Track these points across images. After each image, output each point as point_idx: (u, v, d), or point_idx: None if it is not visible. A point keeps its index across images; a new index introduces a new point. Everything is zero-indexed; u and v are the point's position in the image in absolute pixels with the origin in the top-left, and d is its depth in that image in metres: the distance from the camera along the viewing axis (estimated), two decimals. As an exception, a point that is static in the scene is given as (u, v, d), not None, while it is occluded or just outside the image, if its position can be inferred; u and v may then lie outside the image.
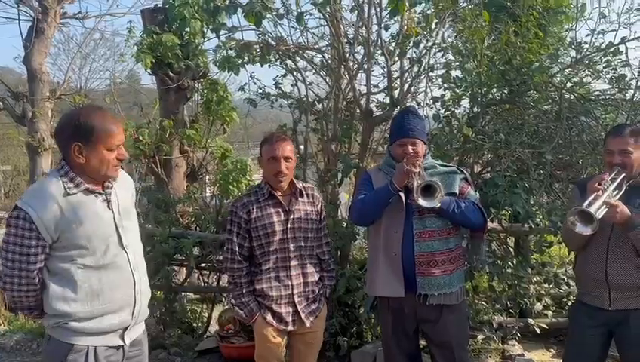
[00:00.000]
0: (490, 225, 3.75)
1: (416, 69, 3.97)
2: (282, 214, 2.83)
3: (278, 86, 4.48)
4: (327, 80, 4.44)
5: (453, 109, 4.08)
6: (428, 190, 2.57)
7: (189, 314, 5.06)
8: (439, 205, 2.58)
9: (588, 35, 3.85)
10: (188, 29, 5.54)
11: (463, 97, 4.04)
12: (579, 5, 3.95)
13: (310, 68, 4.36)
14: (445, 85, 4.07)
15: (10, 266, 2.02)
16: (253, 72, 4.52)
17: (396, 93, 3.86)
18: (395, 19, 3.69)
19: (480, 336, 4.28)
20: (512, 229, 4.13)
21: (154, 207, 5.18)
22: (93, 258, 2.07)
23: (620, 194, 2.51)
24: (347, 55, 4.02)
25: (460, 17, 4.05)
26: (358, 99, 4.06)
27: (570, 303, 4.38)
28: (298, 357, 2.99)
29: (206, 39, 5.77)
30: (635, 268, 2.55)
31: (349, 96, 4.28)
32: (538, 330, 4.38)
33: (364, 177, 2.97)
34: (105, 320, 2.10)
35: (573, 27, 4.01)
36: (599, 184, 2.46)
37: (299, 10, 3.70)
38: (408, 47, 3.91)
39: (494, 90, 4.05)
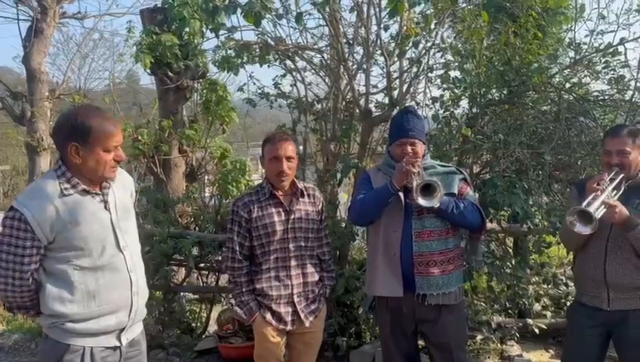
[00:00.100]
0: (489, 225, 3.75)
1: (415, 69, 3.97)
2: (283, 214, 2.84)
3: (278, 86, 4.48)
4: (327, 80, 4.44)
5: (452, 110, 4.09)
6: (427, 189, 2.57)
7: (187, 314, 5.06)
8: (438, 205, 2.59)
9: (587, 35, 3.86)
10: (187, 29, 5.53)
11: (462, 98, 4.05)
12: (578, 6, 3.96)
13: (309, 68, 4.36)
14: (444, 85, 4.08)
15: (4, 266, 2.02)
16: (252, 72, 4.52)
17: (395, 93, 3.86)
18: (395, 19, 3.68)
19: (479, 337, 4.28)
20: (510, 230, 4.14)
21: (153, 207, 5.17)
22: (89, 259, 2.06)
23: (619, 194, 2.52)
24: (346, 55, 4.02)
25: (460, 18, 4.06)
26: (358, 100, 4.06)
27: (568, 304, 4.38)
28: (297, 357, 2.99)
29: (205, 39, 5.76)
30: (634, 268, 2.56)
31: (348, 97, 4.28)
32: (537, 331, 4.39)
33: (364, 177, 2.97)
34: (101, 321, 2.10)
35: (573, 28, 4.02)
36: (598, 184, 2.46)
37: (298, 11, 3.70)
38: (407, 48, 3.90)
39: (493, 90, 4.06)
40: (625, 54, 3.74)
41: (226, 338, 4.35)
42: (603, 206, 2.40)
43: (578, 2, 3.97)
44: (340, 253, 4.15)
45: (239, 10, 3.52)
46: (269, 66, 4.20)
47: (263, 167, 2.93)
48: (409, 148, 2.74)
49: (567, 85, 3.93)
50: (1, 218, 2.04)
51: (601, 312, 2.64)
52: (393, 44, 4.00)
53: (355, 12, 3.94)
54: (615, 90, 3.89)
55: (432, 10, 3.92)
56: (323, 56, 4.26)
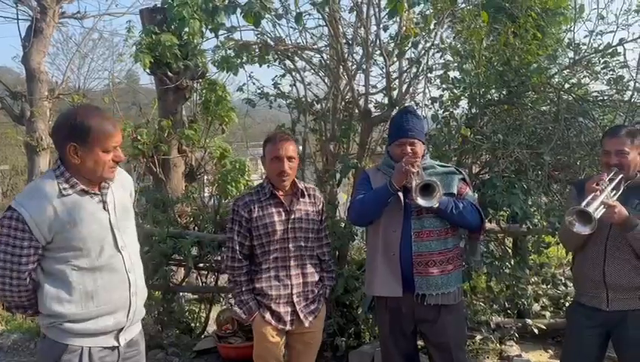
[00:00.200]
0: (488, 225, 3.76)
1: (414, 69, 3.97)
2: (283, 214, 2.84)
3: (277, 86, 4.48)
4: (326, 80, 4.44)
5: (451, 110, 4.09)
6: (427, 189, 2.57)
7: (187, 314, 5.06)
8: (437, 205, 2.59)
9: (586, 36, 3.86)
10: (187, 29, 5.53)
11: (462, 98, 4.05)
12: (577, 6, 3.96)
13: (309, 68, 4.37)
14: (444, 86, 4.08)
15: (2, 266, 2.02)
16: (251, 72, 4.54)
17: (395, 93, 3.86)
18: (394, 19, 3.68)
19: (478, 337, 4.29)
20: (510, 230, 4.14)
21: (152, 207, 5.18)
22: (87, 259, 2.06)
23: (618, 194, 2.52)
24: (346, 55, 4.02)
25: (459, 18, 4.06)
26: (357, 100, 4.06)
27: (567, 304, 4.38)
28: (297, 357, 2.99)
29: (205, 39, 5.76)
30: (633, 268, 2.56)
31: (347, 97, 4.28)
32: (536, 331, 4.40)
33: (363, 177, 2.97)
34: (100, 321, 2.10)
35: (572, 28, 4.01)
36: (597, 184, 2.46)
37: (297, 11, 3.70)
38: (407, 48, 3.91)
39: (493, 90, 4.06)
40: (624, 55, 3.75)
41: (225, 338, 4.35)
42: (602, 206, 2.40)
43: (577, 3, 3.97)
44: (339, 253, 4.15)
45: (239, 11, 3.52)
46: (268, 66, 4.21)
47: (264, 167, 2.94)
48: (408, 149, 2.74)
49: (567, 85, 3.93)
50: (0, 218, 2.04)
51: (600, 312, 2.64)
52: (392, 45, 4.00)
53: (355, 12, 3.94)
54: (614, 91, 3.89)
55: (431, 11, 3.92)
56: (322, 57, 4.26)
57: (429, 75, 3.98)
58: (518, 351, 4.29)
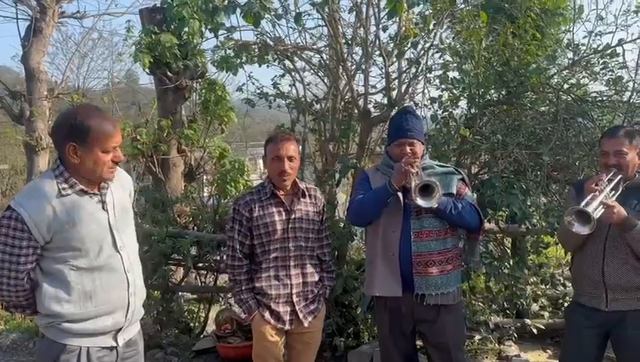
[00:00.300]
0: (487, 225, 3.76)
1: (414, 69, 3.98)
2: (284, 214, 2.85)
3: (277, 86, 4.48)
4: (326, 80, 4.45)
5: (450, 110, 4.09)
6: (426, 190, 2.57)
7: (186, 313, 5.06)
8: (437, 205, 2.59)
9: (585, 36, 3.86)
10: (186, 29, 5.54)
11: (461, 98, 4.05)
12: (576, 7, 3.96)
13: (308, 68, 4.37)
14: (443, 86, 4.08)
15: (0, 266, 2.02)
16: (251, 72, 4.54)
17: (394, 93, 3.86)
18: (393, 20, 3.68)
19: (477, 337, 4.29)
20: (508, 230, 4.14)
21: (151, 207, 5.18)
22: (86, 259, 2.06)
23: (617, 195, 2.52)
24: (345, 55, 4.03)
25: (458, 19, 4.06)
26: (356, 100, 4.07)
27: (566, 304, 4.38)
28: (296, 357, 3.00)
29: (204, 39, 5.77)
30: (632, 268, 2.56)
31: (347, 97, 4.29)
32: (535, 331, 4.40)
33: (362, 177, 2.97)
34: (98, 321, 2.10)
35: (571, 29, 4.01)
36: (596, 185, 2.47)
37: (297, 11, 3.71)
38: (406, 48, 3.91)
39: (492, 91, 4.06)
40: (623, 55, 3.75)
41: (225, 338, 4.35)
42: (601, 206, 2.40)
43: (576, 3, 3.97)
44: (338, 253, 4.16)
45: (238, 11, 3.52)
46: (267, 66, 4.21)
47: (265, 167, 2.95)
48: (408, 149, 2.74)
49: (566, 86, 3.93)
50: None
51: (599, 313, 2.64)
52: (392, 45, 4.01)
53: (354, 12, 3.95)
54: (613, 91, 3.89)
55: (430, 11, 3.92)
56: (322, 57, 4.26)
57: (428, 75, 3.98)
58: (517, 351, 4.30)
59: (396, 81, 3.95)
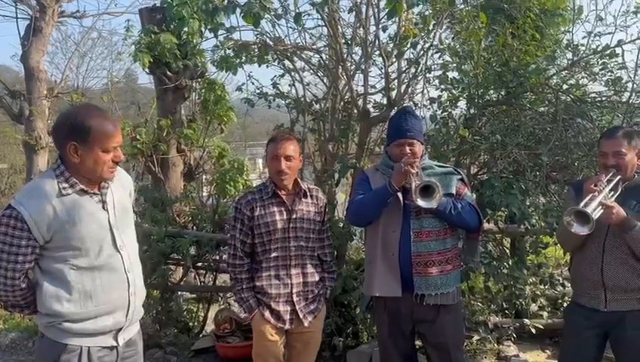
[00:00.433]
0: (486, 225, 3.77)
1: (413, 70, 3.98)
2: (285, 213, 2.86)
3: (276, 86, 4.48)
4: (325, 80, 4.45)
5: (450, 110, 4.09)
6: (427, 190, 2.58)
7: (185, 313, 5.06)
8: (437, 206, 2.59)
9: (584, 37, 3.86)
10: (186, 29, 5.54)
11: (460, 98, 4.05)
12: (576, 8, 3.96)
13: (308, 68, 4.37)
14: (442, 86, 4.08)
15: None
16: (250, 72, 4.53)
17: (393, 93, 3.87)
18: (393, 20, 3.68)
19: (475, 337, 4.30)
20: (507, 230, 4.15)
21: (151, 206, 5.18)
22: (86, 259, 2.06)
23: (616, 195, 2.52)
24: (345, 56, 4.03)
25: (458, 19, 4.06)
26: (356, 100, 4.07)
27: (565, 304, 4.39)
28: (296, 357, 3.01)
29: (204, 39, 5.77)
30: (631, 269, 2.57)
31: (346, 97, 4.29)
32: (533, 331, 4.40)
33: (362, 177, 2.97)
34: (98, 321, 2.10)
35: (570, 29, 4.01)
36: (595, 185, 2.47)
37: (297, 11, 3.71)
38: (406, 48, 3.92)
39: (491, 91, 4.06)
40: (622, 56, 3.75)
41: (224, 337, 4.36)
42: (600, 207, 2.41)
43: (576, 4, 3.98)
44: (338, 253, 4.15)
45: (238, 11, 3.52)
46: (267, 66, 4.21)
47: (266, 166, 2.98)
48: (407, 149, 2.75)
49: (565, 86, 3.93)
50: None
51: (598, 313, 2.64)
52: (391, 45, 4.01)
53: (354, 13, 3.95)
54: (612, 92, 3.90)
55: (430, 11, 3.92)
56: (321, 57, 4.27)
57: (427, 75, 3.98)
58: (516, 351, 4.30)
59: (396, 81, 3.95)
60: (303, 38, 4.15)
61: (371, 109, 4.15)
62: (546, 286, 4.37)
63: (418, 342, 3.09)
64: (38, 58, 9.38)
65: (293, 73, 4.34)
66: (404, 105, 3.73)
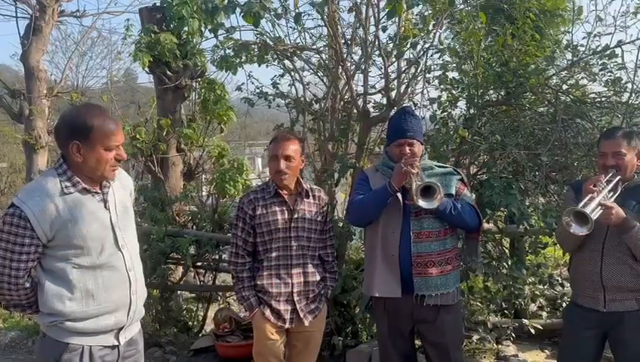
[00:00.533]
0: (485, 226, 3.77)
1: (413, 70, 3.98)
2: (286, 213, 2.87)
3: (276, 86, 4.49)
4: (325, 80, 4.45)
5: (449, 110, 4.09)
6: (427, 191, 2.58)
7: (184, 312, 5.07)
8: (437, 206, 2.60)
9: (584, 37, 3.85)
10: (186, 29, 5.55)
11: (460, 99, 4.05)
12: (575, 8, 3.97)
13: (308, 68, 4.38)
14: (442, 86, 4.08)
15: (1, 263, 2.02)
16: (250, 72, 4.53)
17: (393, 93, 3.87)
18: (393, 20, 3.69)
19: (475, 337, 4.30)
20: (507, 230, 4.14)
21: (150, 206, 5.18)
22: (88, 258, 2.07)
23: (615, 196, 2.52)
24: (345, 56, 4.03)
25: (457, 19, 4.07)
26: (356, 100, 4.07)
27: (564, 304, 4.40)
28: (296, 356, 3.01)
29: (204, 39, 5.78)
30: (630, 270, 2.57)
31: (346, 97, 4.29)
32: (533, 331, 4.40)
33: (361, 177, 2.98)
34: (100, 320, 2.10)
35: (570, 30, 4.02)
36: (594, 185, 2.47)
37: (297, 11, 3.71)
38: (406, 49, 3.92)
39: (491, 91, 4.07)
40: (622, 56, 3.75)
41: (223, 336, 4.36)
42: (599, 207, 2.41)
43: (576, 4, 3.98)
44: (338, 253, 4.15)
45: (238, 10, 3.53)
46: (267, 66, 4.21)
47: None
48: (407, 149, 2.75)
49: (564, 87, 3.94)
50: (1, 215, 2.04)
51: (597, 313, 2.64)
52: (391, 45, 4.01)
53: (354, 13, 3.95)
54: (612, 92, 3.90)
55: (430, 12, 3.93)
56: (321, 57, 4.27)
57: (427, 75, 3.99)
58: (515, 351, 4.31)
59: (395, 81, 3.95)
60: (302, 38, 4.16)
61: (371, 109, 4.15)
62: (545, 287, 4.37)
63: (417, 342, 3.09)
64: (38, 57, 9.39)
65: (293, 73, 4.34)
66: (404, 105, 3.73)
